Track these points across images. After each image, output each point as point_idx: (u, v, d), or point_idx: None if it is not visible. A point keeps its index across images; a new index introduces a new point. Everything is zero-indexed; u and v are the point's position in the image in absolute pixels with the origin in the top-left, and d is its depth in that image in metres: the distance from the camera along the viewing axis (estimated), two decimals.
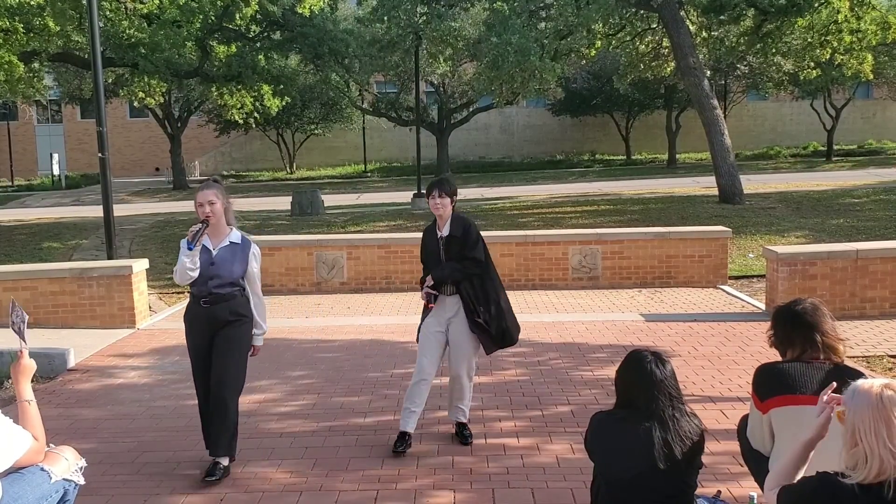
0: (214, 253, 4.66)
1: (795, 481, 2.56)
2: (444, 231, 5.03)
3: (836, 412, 2.49)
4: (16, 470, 3.19)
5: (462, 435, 5.15)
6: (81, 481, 3.45)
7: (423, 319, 5.13)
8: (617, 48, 24.32)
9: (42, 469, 3.25)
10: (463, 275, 4.95)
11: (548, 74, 18.73)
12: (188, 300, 4.84)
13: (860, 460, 2.29)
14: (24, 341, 3.46)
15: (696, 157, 37.82)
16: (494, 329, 4.99)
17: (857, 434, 2.30)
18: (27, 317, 3.53)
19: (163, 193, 33.32)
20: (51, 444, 3.47)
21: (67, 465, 3.39)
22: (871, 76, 22.17)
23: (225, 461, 4.68)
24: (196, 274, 4.56)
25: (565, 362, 7.03)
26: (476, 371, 5.30)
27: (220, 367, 4.65)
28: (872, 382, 2.35)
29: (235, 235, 4.75)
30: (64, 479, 3.33)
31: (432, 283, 4.96)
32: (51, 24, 16.52)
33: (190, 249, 4.49)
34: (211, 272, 4.61)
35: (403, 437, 5.01)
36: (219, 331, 4.67)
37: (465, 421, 5.20)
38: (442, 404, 5.83)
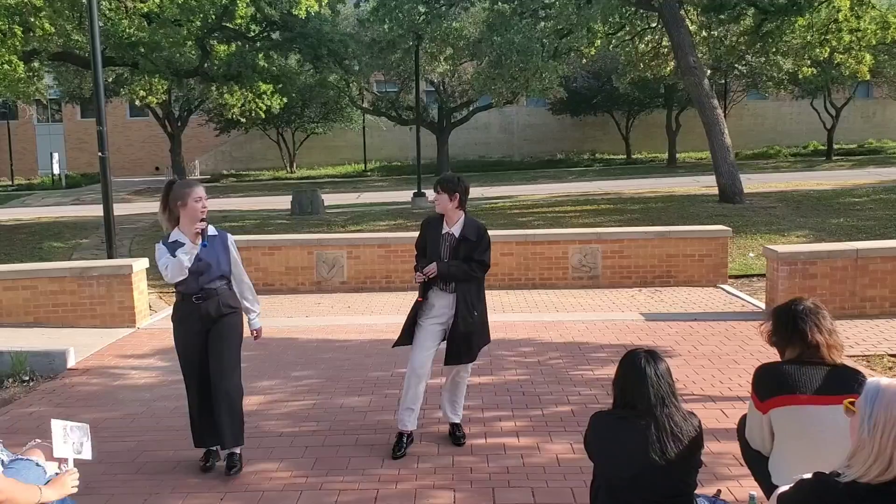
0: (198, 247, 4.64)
1: (791, 485, 2.55)
2: (454, 230, 4.99)
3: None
4: (15, 458, 3.18)
5: (455, 436, 5.14)
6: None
7: (412, 317, 5.03)
8: (616, 47, 24.31)
9: (37, 464, 3.24)
10: (467, 276, 4.94)
11: (550, 73, 18.73)
12: (176, 300, 4.82)
13: (864, 458, 2.27)
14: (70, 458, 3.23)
15: (697, 157, 37.78)
16: (478, 335, 5.02)
17: (873, 432, 2.26)
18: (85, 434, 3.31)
19: None
20: (36, 440, 3.44)
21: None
22: (868, 76, 22.13)
23: (238, 450, 4.75)
24: (186, 273, 4.57)
25: (565, 362, 7.03)
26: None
27: (217, 361, 4.69)
28: None
29: (211, 228, 4.73)
30: (56, 472, 3.32)
31: (434, 272, 4.86)
32: (46, 25, 16.49)
33: (204, 246, 4.54)
34: (200, 268, 4.61)
35: (402, 439, 5.01)
36: (206, 328, 4.69)
37: (459, 421, 5.20)
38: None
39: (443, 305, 4.98)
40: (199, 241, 4.53)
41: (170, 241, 4.66)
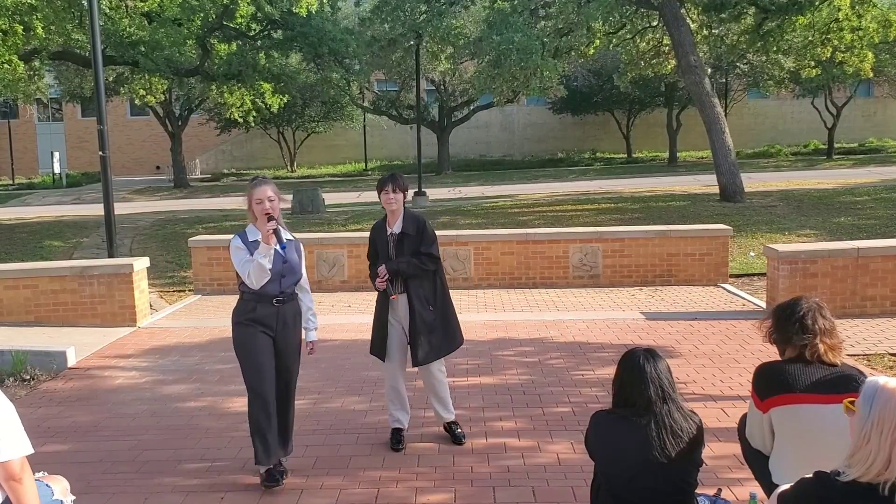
0: (281, 251, 4.48)
1: (791, 484, 2.55)
2: (395, 228, 4.95)
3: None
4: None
5: (455, 434, 5.11)
6: None
7: (378, 321, 5.01)
8: (617, 46, 24.30)
9: (46, 485, 3.27)
10: (418, 270, 4.88)
11: (549, 72, 18.73)
12: (245, 302, 4.54)
13: (864, 457, 2.28)
14: None
15: (697, 156, 37.79)
16: (441, 331, 4.96)
17: (872, 432, 2.27)
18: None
19: (164, 192, 33.33)
20: (44, 472, 3.46)
21: (64, 488, 3.40)
22: (871, 74, 22.11)
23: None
24: (270, 275, 4.41)
25: (566, 361, 7.03)
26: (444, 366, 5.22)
27: (287, 374, 4.60)
28: None
29: (287, 234, 4.60)
30: (61, 499, 3.35)
31: (385, 274, 4.83)
32: (39, 30, 16.47)
33: (283, 248, 4.38)
34: (284, 270, 4.49)
35: (399, 434, 5.07)
36: (279, 333, 4.53)
37: (453, 419, 5.17)
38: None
39: (398, 309, 4.96)
40: (275, 243, 4.32)
41: (251, 239, 4.50)
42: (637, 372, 3.13)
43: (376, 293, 5.08)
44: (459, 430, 5.14)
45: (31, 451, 3.01)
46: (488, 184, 29.78)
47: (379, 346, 5.03)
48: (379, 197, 4.96)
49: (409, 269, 4.86)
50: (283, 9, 21.66)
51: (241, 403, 5.39)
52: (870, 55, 20.54)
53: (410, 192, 23.40)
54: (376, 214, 20.42)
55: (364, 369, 6.89)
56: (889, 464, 2.24)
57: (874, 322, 8.22)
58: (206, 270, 10.99)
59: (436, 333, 4.94)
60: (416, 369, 5.08)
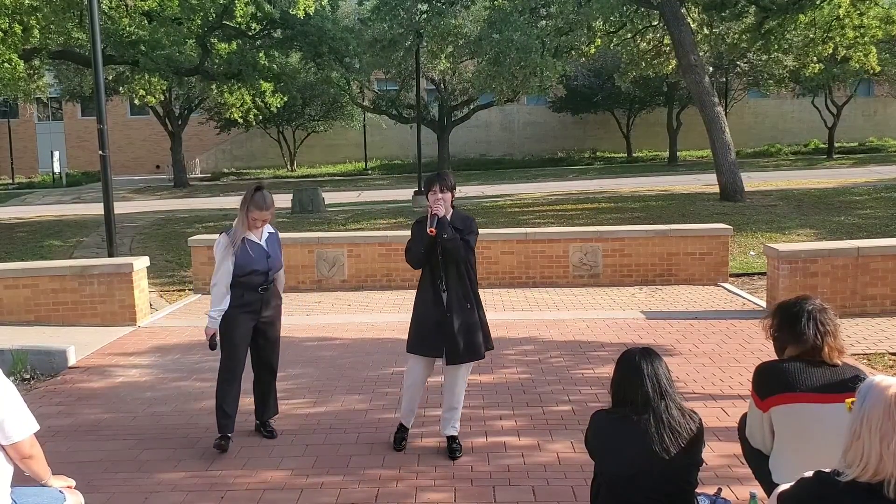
0: (266, 246, 5.12)
1: (791, 483, 2.56)
2: None
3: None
4: (39, 485, 3.28)
5: (451, 448, 4.92)
6: None
7: (429, 319, 4.81)
8: (618, 45, 24.30)
9: (60, 491, 3.31)
10: (455, 246, 4.73)
11: (549, 71, 18.74)
12: (233, 288, 5.00)
13: (856, 454, 2.28)
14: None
15: (697, 155, 37.78)
16: (476, 332, 4.85)
17: (861, 429, 2.29)
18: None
19: (164, 191, 33.33)
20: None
21: (77, 502, 3.42)
22: (878, 67, 22.01)
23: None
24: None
25: (566, 360, 7.03)
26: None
27: (271, 351, 5.26)
28: (891, 382, 2.33)
29: (269, 227, 5.22)
30: None
31: (436, 218, 4.72)
32: (36, 32, 16.46)
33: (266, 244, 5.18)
34: (269, 264, 5.11)
35: (404, 431, 5.05)
36: (263, 314, 5.12)
37: (456, 434, 4.99)
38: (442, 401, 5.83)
39: (437, 304, 4.83)
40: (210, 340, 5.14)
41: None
42: (634, 370, 3.14)
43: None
44: (456, 445, 4.92)
45: (37, 427, 3.20)
46: (488, 183, 29.78)
47: (435, 343, 4.81)
48: (427, 198, 4.91)
49: (455, 238, 4.72)
50: (282, 7, 21.65)
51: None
52: (874, 50, 20.51)
53: (411, 191, 23.40)
54: (376, 214, 20.41)
55: (364, 368, 6.89)
56: (881, 459, 2.24)
57: (874, 321, 8.22)
58: (206, 270, 10.97)
59: (474, 332, 4.83)
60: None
